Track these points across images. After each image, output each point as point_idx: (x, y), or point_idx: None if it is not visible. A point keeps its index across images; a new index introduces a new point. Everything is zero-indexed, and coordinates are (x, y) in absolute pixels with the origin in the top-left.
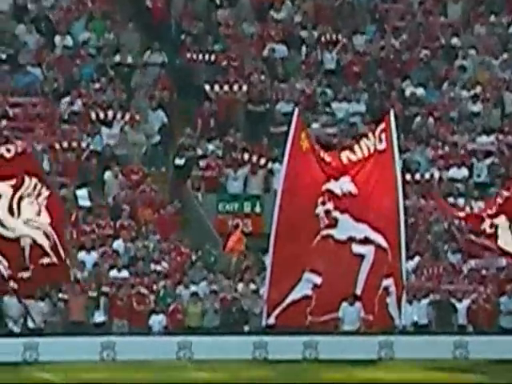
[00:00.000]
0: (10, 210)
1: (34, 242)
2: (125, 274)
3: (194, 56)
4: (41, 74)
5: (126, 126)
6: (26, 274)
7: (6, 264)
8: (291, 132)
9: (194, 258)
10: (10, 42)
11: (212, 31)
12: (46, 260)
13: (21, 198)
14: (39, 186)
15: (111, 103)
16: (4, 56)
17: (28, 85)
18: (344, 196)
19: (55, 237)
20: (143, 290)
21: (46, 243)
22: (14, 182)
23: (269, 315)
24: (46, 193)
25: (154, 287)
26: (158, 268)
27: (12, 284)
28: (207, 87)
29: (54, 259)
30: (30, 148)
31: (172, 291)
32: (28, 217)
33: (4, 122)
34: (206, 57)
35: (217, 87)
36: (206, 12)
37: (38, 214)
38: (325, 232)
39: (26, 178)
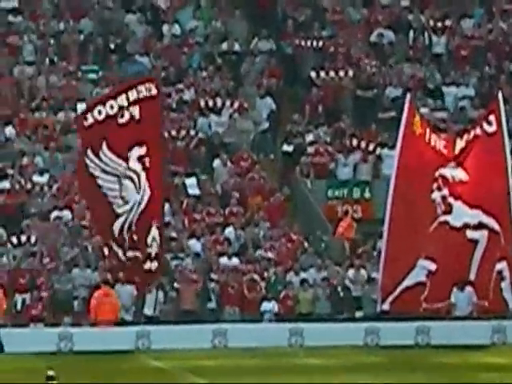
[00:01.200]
0: None
1: None
2: (235, 261)
3: (302, 42)
4: (149, 63)
5: (234, 114)
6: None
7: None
8: (404, 117)
9: (304, 244)
10: (119, 31)
11: (318, 17)
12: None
13: None
14: None
15: (219, 91)
16: (113, 45)
17: (136, 74)
18: (456, 182)
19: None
20: (254, 277)
21: None
22: None
23: (383, 301)
24: None
25: (265, 274)
26: (269, 255)
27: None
28: (314, 74)
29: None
30: None
31: (282, 278)
32: None
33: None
34: (314, 43)
35: (324, 74)
36: None
37: None
38: (442, 218)
39: None
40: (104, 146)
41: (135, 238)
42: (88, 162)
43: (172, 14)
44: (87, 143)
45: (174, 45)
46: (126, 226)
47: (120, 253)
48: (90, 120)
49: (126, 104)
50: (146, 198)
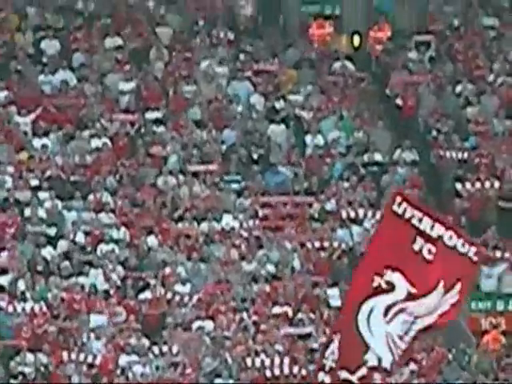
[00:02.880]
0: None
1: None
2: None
3: (445, 153)
4: (291, 174)
5: (376, 224)
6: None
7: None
8: None
9: (449, 356)
10: (261, 142)
11: (461, 128)
12: None
13: (402, 311)
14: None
15: (362, 201)
16: (255, 156)
17: (279, 184)
18: None
19: None
20: None
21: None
22: (412, 290)
23: None
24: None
25: None
26: (412, 367)
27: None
28: (458, 185)
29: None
30: None
31: None
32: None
33: (256, 222)
34: (457, 154)
35: (468, 185)
36: (454, 109)
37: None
38: None
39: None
40: None
41: None
42: None
43: (315, 125)
44: None
45: (316, 155)
46: None
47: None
48: None
49: None
50: None
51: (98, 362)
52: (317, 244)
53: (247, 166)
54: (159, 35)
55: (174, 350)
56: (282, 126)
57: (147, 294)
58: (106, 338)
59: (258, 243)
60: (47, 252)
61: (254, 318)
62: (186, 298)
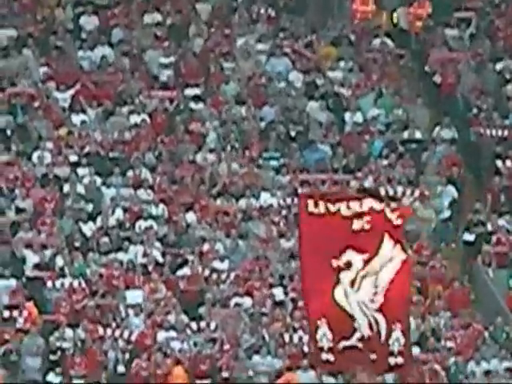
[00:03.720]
0: (352, 284)
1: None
2: (416, 350)
3: (484, 131)
4: (330, 151)
5: (415, 202)
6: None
7: (329, 336)
8: None
9: (485, 334)
10: (300, 118)
11: (502, 106)
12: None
13: (364, 276)
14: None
15: (400, 179)
16: (294, 133)
17: (317, 161)
18: None
19: (383, 325)
20: (435, 367)
21: (366, 332)
22: (366, 256)
23: None
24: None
25: (445, 363)
26: (449, 344)
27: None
28: (499, 162)
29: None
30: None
31: (463, 368)
32: (362, 299)
33: (295, 200)
34: (497, 132)
35: (508, 162)
36: (494, 87)
37: (372, 300)
38: None
39: (376, 258)
40: None
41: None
42: None
43: (354, 102)
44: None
45: (355, 132)
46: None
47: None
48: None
49: None
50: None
51: (134, 337)
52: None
53: (286, 143)
54: (198, 11)
55: (212, 326)
56: (321, 103)
57: (185, 271)
58: (144, 315)
59: (296, 220)
60: (86, 228)
61: (292, 294)
62: (224, 275)
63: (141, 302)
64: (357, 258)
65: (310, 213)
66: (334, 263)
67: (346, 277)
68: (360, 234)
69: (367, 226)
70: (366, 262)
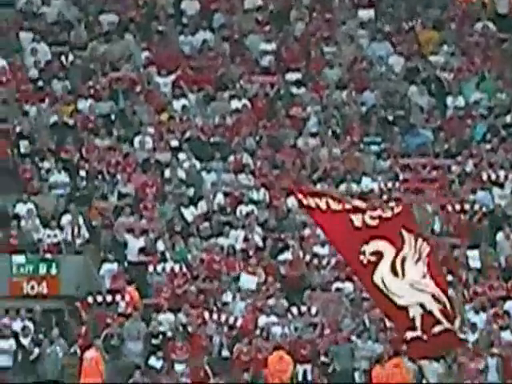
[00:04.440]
0: (394, 271)
1: (424, 309)
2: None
3: None
4: (431, 135)
5: None
6: (414, 335)
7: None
8: None
9: None
10: (402, 103)
11: None
12: (437, 328)
13: (404, 259)
14: (423, 245)
15: (503, 163)
16: (395, 117)
17: (419, 146)
18: None
19: (444, 298)
20: None
21: (435, 307)
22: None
23: None
24: (427, 252)
25: None
26: None
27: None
28: None
29: (447, 325)
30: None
31: None
32: (414, 279)
33: (396, 184)
34: None
35: None
36: None
37: (424, 276)
38: None
39: (407, 237)
40: None
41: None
42: None
43: (456, 86)
44: None
45: (457, 117)
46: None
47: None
48: None
49: None
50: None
51: (238, 323)
52: (457, 206)
53: (387, 128)
54: None
55: (313, 311)
56: (423, 88)
57: (286, 256)
58: (245, 299)
59: (397, 205)
60: (187, 213)
61: None
62: (325, 260)
63: (242, 286)
64: (386, 246)
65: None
66: (364, 259)
67: (381, 269)
68: (366, 230)
69: (373, 222)
70: (398, 252)
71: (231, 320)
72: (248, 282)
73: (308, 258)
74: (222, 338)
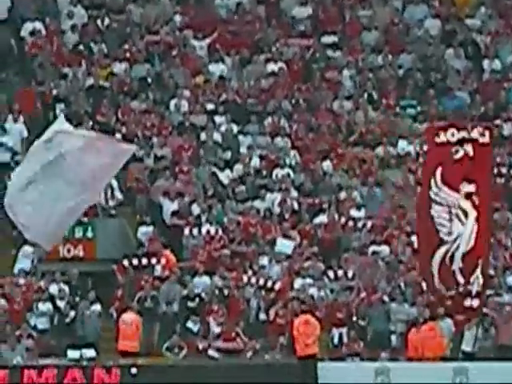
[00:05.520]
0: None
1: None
2: None
3: None
4: (468, 98)
5: None
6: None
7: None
8: None
9: None
10: (438, 66)
11: None
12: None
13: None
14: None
15: None
16: (432, 80)
17: (455, 109)
18: None
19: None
20: None
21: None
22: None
23: None
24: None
25: None
26: None
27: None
28: None
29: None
30: None
31: None
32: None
33: None
34: None
35: None
36: None
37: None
38: None
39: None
40: (438, 175)
41: (458, 275)
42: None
43: (493, 49)
44: (432, 162)
45: (493, 80)
46: (448, 259)
47: (443, 290)
48: (442, 138)
49: (462, 139)
50: (473, 236)
51: (276, 286)
52: (494, 170)
53: (423, 91)
54: None
55: (349, 274)
56: (459, 50)
57: (322, 219)
58: (280, 262)
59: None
60: (223, 176)
61: None
62: (361, 223)
63: (278, 249)
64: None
65: (435, 143)
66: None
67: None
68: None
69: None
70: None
71: (269, 283)
72: (284, 246)
73: (343, 220)
74: (260, 301)
